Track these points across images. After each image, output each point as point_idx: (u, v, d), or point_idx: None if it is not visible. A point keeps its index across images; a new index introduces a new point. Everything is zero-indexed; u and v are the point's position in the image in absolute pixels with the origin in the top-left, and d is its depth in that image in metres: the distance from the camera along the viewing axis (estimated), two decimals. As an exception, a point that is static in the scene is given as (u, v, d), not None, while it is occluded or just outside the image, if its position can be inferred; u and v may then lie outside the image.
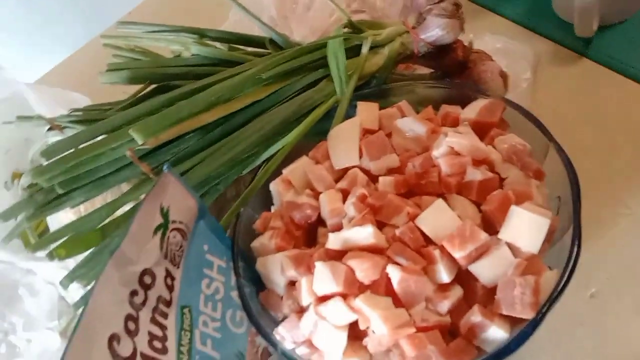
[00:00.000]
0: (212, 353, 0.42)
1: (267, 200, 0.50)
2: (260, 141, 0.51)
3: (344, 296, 0.40)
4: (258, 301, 0.46)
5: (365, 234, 0.41)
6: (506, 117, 0.49)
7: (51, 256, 0.44)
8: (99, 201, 0.50)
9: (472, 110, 0.48)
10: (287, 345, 0.42)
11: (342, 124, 0.50)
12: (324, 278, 0.40)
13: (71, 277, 0.45)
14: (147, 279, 0.40)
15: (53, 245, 0.45)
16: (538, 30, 0.67)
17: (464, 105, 0.50)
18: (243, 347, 0.45)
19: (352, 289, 0.40)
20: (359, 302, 0.39)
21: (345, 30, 0.55)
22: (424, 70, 0.60)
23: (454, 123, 0.49)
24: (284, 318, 0.44)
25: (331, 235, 0.42)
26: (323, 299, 0.40)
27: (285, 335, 0.42)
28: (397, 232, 0.41)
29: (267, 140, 0.51)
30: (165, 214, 0.41)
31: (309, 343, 0.41)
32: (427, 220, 0.41)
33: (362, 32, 0.56)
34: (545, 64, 0.64)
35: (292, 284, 0.44)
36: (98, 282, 0.35)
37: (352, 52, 0.54)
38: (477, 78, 0.56)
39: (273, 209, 0.50)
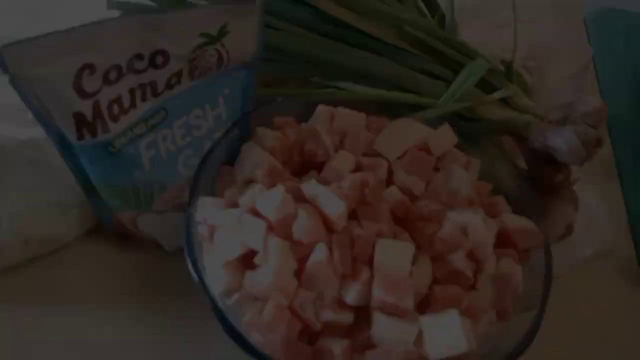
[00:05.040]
0: (145, 160, 0.42)
1: (304, 113, 0.49)
2: (350, 67, 0.50)
3: (271, 227, 0.38)
4: (217, 169, 0.45)
5: (337, 207, 0.39)
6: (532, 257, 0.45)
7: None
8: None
9: (515, 220, 0.45)
10: (199, 216, 0.41)
11: (415, 122, 0.47)
12: (271, 199, 0.39)
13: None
14: (159, 59, 0.39)
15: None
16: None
17: (515, 208, 0.47)
18: (170, 183, 0.44)
19: (281, 228, 0.38)
20: (273, 241, 0.37)
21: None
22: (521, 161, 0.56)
23: (494, 214, 0.46)
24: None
25: (311, 183, 0.41)
26: (255, 212, 0.39)
27: (205, 207, 0.41)
28: (355, 232, 0.39)
29: (353, 71, 0.50)
30: (221, 32, 0.40)
31: (211, 229, 0.40)
32: (385, 248, 0.39)
33: (510, 79, 0.52)
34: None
35: (250, 180, 0.43)
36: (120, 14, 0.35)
37: (484, 84, 0.51)
38: (549, 208, 0.52)
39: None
